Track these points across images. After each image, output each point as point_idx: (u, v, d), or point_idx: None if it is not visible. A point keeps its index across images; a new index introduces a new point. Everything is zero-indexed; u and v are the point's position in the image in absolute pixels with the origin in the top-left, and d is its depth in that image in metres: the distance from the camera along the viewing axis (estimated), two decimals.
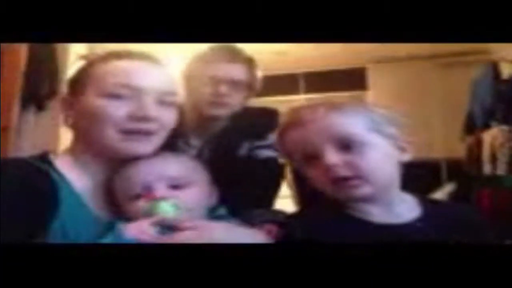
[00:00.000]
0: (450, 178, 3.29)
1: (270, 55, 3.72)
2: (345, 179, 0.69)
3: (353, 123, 0.72)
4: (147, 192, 0.79)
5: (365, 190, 0.69)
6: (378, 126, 0.73)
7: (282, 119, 0.80)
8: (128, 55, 0.84)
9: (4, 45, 1.74)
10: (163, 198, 0.78)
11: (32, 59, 1.85)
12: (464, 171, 2.65)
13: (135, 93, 0.80)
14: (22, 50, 1.85)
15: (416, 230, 0.70)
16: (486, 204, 2.21)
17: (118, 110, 0.79)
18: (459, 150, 2.95)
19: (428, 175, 3.30)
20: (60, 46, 1.99)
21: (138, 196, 0.80)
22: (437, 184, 3.19)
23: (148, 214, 0.77)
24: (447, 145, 3.61)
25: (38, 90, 1.87)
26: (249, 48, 1.28)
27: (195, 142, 1.26)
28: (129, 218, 0.80)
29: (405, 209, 0.74)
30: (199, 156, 1.22)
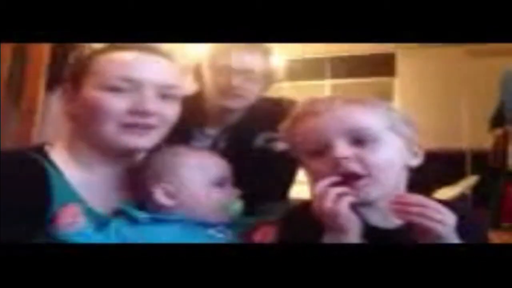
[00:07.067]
0: (475, 170, 3.21)
1: None
2: (357, 176, 0.66)
3: (369, 117, 0.70)
4: (222, 187, 0.85)
5: (373, 193, 0.66)
6: (395, 125, 0.71)
7: (296, 109, 0.77)
8: (128, 47, 0.82)
9: None
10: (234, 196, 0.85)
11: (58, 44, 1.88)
12: (489, 164, 2.58)
13: (135, 86, 0.79)
14: None
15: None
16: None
17: (118, 104, 0.78)
18: (486, 141, 2.86)
19: (452, 165, 3.23)
20: None
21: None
22: (460, 175, 3.11)
23: (223, 208, 0.83)
24: (474, 135, 3.52)
25: (63, 75, 1.90)
26: None
27: (211, 131, 1.26)
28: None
29: None
30: (214, 146, 1.22)
